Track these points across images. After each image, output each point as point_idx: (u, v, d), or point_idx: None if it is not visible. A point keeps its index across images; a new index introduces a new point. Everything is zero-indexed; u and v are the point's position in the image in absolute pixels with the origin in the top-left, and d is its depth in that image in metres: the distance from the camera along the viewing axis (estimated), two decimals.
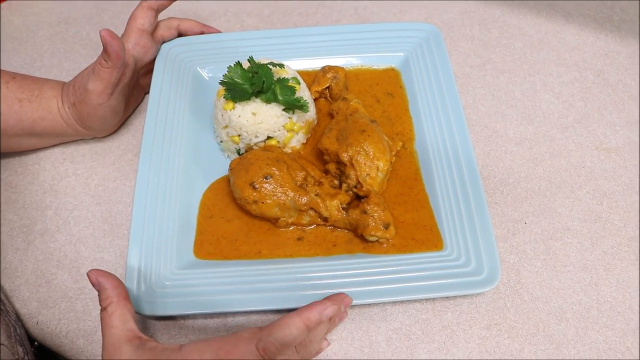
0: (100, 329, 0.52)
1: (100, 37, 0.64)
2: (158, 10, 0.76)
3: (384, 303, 0.62)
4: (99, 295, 0.53)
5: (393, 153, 0.69)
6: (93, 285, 0.53)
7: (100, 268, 0.64)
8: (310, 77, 0.78)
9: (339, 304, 0.53)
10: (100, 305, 0.52)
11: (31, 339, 0.64)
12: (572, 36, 0.88)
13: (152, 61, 0.78)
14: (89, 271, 0.54)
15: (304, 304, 0.58)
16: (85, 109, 0.69)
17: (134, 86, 0.78)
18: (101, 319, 0.52)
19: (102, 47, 0.68)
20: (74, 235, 0.69)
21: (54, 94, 0.71)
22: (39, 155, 0.76)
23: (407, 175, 0.69)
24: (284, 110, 0.68)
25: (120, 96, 0.71)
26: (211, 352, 0.47)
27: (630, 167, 0.73)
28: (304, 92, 0.71)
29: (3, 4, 0.98)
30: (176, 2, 0.78)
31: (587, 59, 0.85)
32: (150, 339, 0.51)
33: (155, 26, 0.78)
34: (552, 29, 0.89)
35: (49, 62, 0.89)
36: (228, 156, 0.73)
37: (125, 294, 0.53)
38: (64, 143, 0.77)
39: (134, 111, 0.81)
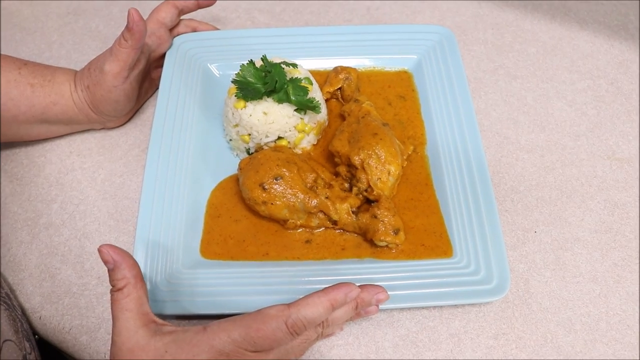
0: (111, 312, 0.49)
1: (128, 14, 0.65)
2: (182, 11, 0.78)
3: (392, 309, 0.61)
4: (111, 274, 0.50)
5: (404, 157, 0.68)
6: (105, 262, 0.50)
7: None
8: (322, 77, 0.77)
9: (369, 294, 0.53)
10: (113, 285, 0.50)
11: (33, 333, 0.63)
12: (586, 43, 0.88)
13: (165, 55, 0.78)
14: (101, 246, 0.50)
15: None
16: (99, 91, 0.69)
17: (146, 77, 0.78)
18: (113, 300, 0.49)
19: (110, 42, 0.69)
20: (79, 230, 0.68)
21: (66, 78, 0.71)
22: (45, 147, 0.76)
23: (417, 180, 0.68)
24: (295, 110, 0.67)
25: (134, 82, 0.72)
26: (240, 330, 0.47)
27: None
28: (316, 93, 0.70)
29: None
30: None
31: (601, 67, 0.84)
32: (166, 323, 0.49)
33: (176, 24, 0.79)
34: (566, 35, 0.89)
35: (58, 53, 0.88)
36: (237, 155, 0.72)
37: (141, 274, 0.51)
38: (71, 135, 0.76)
39: (143, 104, 0.80)
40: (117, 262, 0.50)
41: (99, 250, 0.50)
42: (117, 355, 0.47)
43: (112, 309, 0.49)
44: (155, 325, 0.49)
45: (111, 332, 0.49)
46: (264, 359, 0.49)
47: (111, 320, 0.50)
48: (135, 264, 0.51)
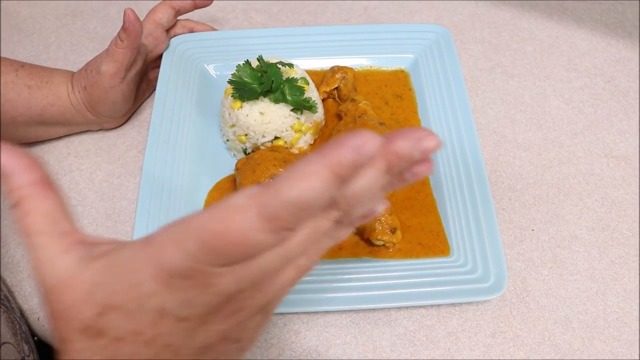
0: (21, 241, 0.35)
1: (124, 14, 0.65)
2: (179, 12, 0.77)
3: (389, 308, 0.61)
4: (2, 185, 0.33)
5: None
6: None
7: None
8: (318, 77, 0.77)
9: (407, 142, 0.29)
10: (9, 201, 0.32)
11: (31, 334, 0.63)
12: (583, 41, 0.88)
13: (162, 56, 0.78)
14: None
15: (308, 308, 0.58)
16: (96, 92, 0.69)
17: (143, 78, 0.78)
18: (15, 222, 0.32)
19: (108, 43, 0.68)
20: None
21: (63, 79, 0.71)
22: (43, 149, 0.76)
23: None
24: (292, 110, 0.67)
25: (131, 83, 0.72)
26: (195, 239, 0.28)
27: None
28: (312, 93, 0.70)
29: None
30: None
31: (598, 65, 0.84)
32: (100, 240, 0.32)
33: (172, 25, 0.79)
34: (563, 33, 0.89)
35: (55, 54, 0.88)
36: (234, 155, 0.72)
37: (47, 178, 0.32)
38: (68, 137, 0.76)
39: (140, 105, 0.80)
40: (5, 167, 0.31)
41: None
42: (42, 298, 0.32)
43: (19, 235, 0.32)
44: (84, 247, 0.32)
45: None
46: (245, 275, 0.30)
47: None
48: (35, 165, 0.32)
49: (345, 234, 0.34)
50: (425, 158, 0.30)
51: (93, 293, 0.30)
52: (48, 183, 0.32)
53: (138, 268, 0.30)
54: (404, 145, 0.29)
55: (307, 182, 0.27)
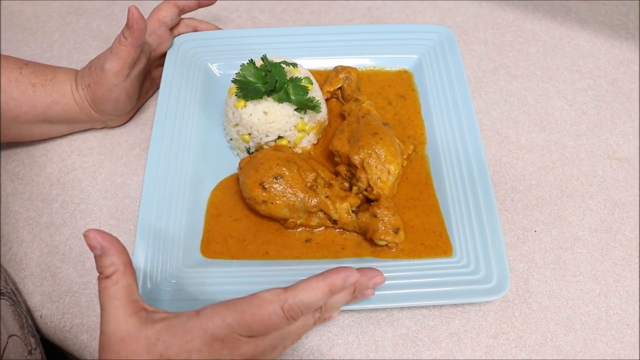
0: (100, 301, 0.46)
1: (128, 12, 0.66)
2: (183, 10, 0.78)
3: (391, 308, 0.61)
4: (98, 260, 0.47)
5: (404, 157, 0.68)
6: (92, 248, 0.46)
7: None
8: (322, 77, 0.77)
9: (366, 278, 0.52)
10: (101, 272, 0.46)
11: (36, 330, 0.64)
12: (586, 43, 0.88)
13: (165, 54, 0.78)
14: (87, 231, 0.46)
15: None
16: (100, 89, 0.69)
17: (147, 76, 0.78)
18: (101, 288, 0.46)
19: (111, 41, 0.69)
20: (79, 229, 0.69)
21: (67, 77, 0.71)
22: (46, 147, 0.76)
23: (417, 179, 0.68)
24: (295, 110, 0.67)
25: (135, 81, 0.72)
26: (234, 315, 0.44)
27: None
28: (316, 92, 0.70)
29: None
30: None
31: (602, 67, 0.84)
32: (158, 310, 0.47)
33: (176, 24, 0.80)
34: (567, 34, 0.89)
35: (59, 52, 0.88)
36: (237, 154, 0.72)
37: (130, 261, 0.48)
38: (72, 135, 0.77)
39: (143, 104, 0.80)
40: (104, 248, 0.46)
41: (85, 235, 0.47)
42: (107, 346, 0.45)
43: (100, 297, 0.46)
44: (146, 313, 0.46)
45: (100, 321, 0.46)
46: (259, 344, 0.47)
47: None
48: (124, 250, 0.48)
49: (313, 327, 0.52)
50: (373, 287, 0.53)
51: (153, 345, 0.44)
52: (130, 264, 0.48)
53: (190, 330, 0.44)
54: (365, 280, 0.52)
55: (314, 292, 0.47)
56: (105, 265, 0.46)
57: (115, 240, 0.48)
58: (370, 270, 0.53)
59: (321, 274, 0.48)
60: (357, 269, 0.50)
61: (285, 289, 0.46)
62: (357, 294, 0.53)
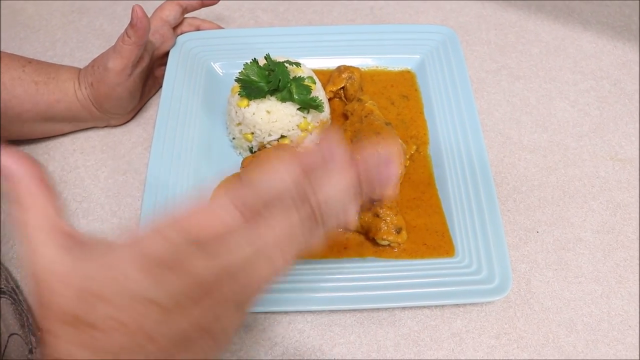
0: (18, 237, 0.35)
1: (132, 11, 0.66)
2: (186, 10, 0.78)
3: (393, 308, 0.61)
4: (3, 183, 0.35)
5: (407, 157, 0.68)
6: None
7: None
8: (325, 76, 0.77)
9: (371, 157, 0.37)
10: (9, 198, 0.35)
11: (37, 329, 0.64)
12: (589, 44, 0.88)
13: (168, 53, 0.78)
14: None
15: (313, 307, 0.58)
16: (103, 88, 0.69)
17: (149, 75, 0.78)
18: (13, 219, 0.34)
19: (114, 40, 0.69)
20: (81, 227, 0.68)
21: (70, 76, 0.71)
22: (48, 145, 0.76)
23: (420, 179, 0.68)
24: (298, 109, 0.67)
25: (138, 80, 0.72)
26: (175, 226, 0.32)
27: None
28: (319, 92, 0.71)
29: None
30: None
31: (604, 68, 0.84)
32: (91, 238, 0.34)
33: (179, 23, 0.80)
34: (570, 35, 0.89)
35: (61, 51, 0.88)
36: (240, 153, 0.72)
37: (45, 177, 0.35)
38: (74, 133, 0.77)
39: (146, 103, 0.80)
40: (10, 169, 0.34)
41: None
42: (31, 290, 0.37)
43: (16, 231, 0.34)
44: (74, 242, 0.33)
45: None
46: (218, 260, 0.32)
47: None
48: (34, 165, 0.35)
49: (319, 234, 0.36)
50: (390, 171, 0.37)
51: (82, 283, 0.31)
52: (46, 183, 0.35)
53: (124, 258, 0.31)
54: (371, 159, 0.36)
55: (277, 174, 0.33)
56: (12, 187, 0.35)
57: (21, 155, 0.35)
58: (377, 149, 0.38)
59: (292, 151, 0.36)
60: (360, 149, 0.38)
61: (240, 177, 0.36)
62: (369, 179, 0.37)
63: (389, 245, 0.62)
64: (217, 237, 0.32)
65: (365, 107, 0.70)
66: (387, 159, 0.37)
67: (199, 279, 0.32)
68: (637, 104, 0.80)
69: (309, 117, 0.69)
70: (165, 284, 0.31)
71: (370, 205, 0.64)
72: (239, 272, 0.33)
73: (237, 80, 0.66)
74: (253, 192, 0.32)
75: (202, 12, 0.84)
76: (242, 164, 0.66)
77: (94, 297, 0.31)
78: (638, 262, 0.65)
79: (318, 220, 0.35)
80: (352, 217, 0.38)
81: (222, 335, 0.34)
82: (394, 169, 0.37)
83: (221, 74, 0.79)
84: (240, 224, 0.32)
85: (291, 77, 0.67)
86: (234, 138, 0.71)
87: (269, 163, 0.33)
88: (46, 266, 0.32)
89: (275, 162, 0.33)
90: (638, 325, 0.61)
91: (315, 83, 0.70)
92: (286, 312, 0.61)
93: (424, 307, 0.61)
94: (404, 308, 0.61)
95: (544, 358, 0.59)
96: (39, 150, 0.75)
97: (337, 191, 0.35)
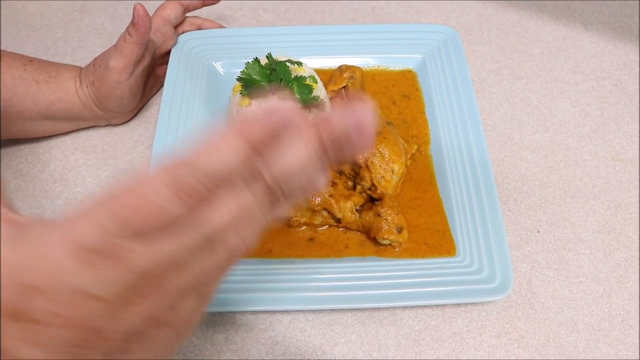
0: None
1: (134, 9, 0.66)
2: (187, 9, 0.78)
3: (394, 307, 0.61)
4: None
5: (408, 156, 0.68)
6: None
7: None
8: (326, 76, 0.77)
9: (339, 120, 0.31)
10: None
11: None
12: (590, 44, 0.88)
13: (170, 52, 0.78)
14: None
15: (314, 306, 0.58)
16: (104, 87, 0.69)
17: (151, 74, 0.78)
18: None
19: (115, 39, 0.69)
20: None
21: (71, 74, 0.71)
22: (50, 144, 0.76)
23: (421, 179, 0.68)
24: (300, 108, 0.68)
25: (139, 78, 0.72)
26: (106, 212, 0.28)
27: None
28: (320, 91, 0.70)
29: None
30: None
31: (605, 68, 0.84)
32: (31, 220, 0.31)
33: (181, 22, 0.80)
34: (571, 36, 0.89)
35: (63, 50, 0.88)
36: None
37: None
38: (75, 132, 0.77)
39: (147, 101, 0.81)
40: None
41: None
42: None
43: None
44: (11, 226, 0.30)
45: None
46: (159, 249, 0.28)
47: None
48: None
49: (283, 210, 0.33)
50: (361, 130, 0.31)
51: (15, 273, 0.28)
52: None
53: (54, 245, 0.28)
54: (337, 122, 0.31)
55: (217, 150, 0.28)
56: None
57: None
58: (347, 109, 0.32)
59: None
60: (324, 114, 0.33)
61: (179, 159, 0.29)
62: (334, 145, 0.32)
63: (390, 244, 0.62)
64: (151, 223, 0.28)
65: None
66: (357, 116, 0.31)
67: (140, 270, 0.28)
68: (638, 104, 0.80)
69: (311, 116, 0.69)
70: (104, 277, 0.28)
71: (372, 204, 0.64)
72: (187, 260, 0.30)
73: (239, 79, 0.66)
74: (190, 171, 0.28)
75: (204, 11, 0.84)
76: None
77: (32, 290, 0.28)
78: (639, 262, 0.65)
79: (278, 195, 0.32)
80: (321, 185, 0.34)
81: (182, 324, 0.32)
82: (367, 128, 0.31)
83: (222, 73, 0.79)
84: (173, 205, 0.28)
85: (293, 77, 0.67)
86: None
87: (209, 141, 0.29)
88: None
89: (216, 140, 0.28)
90: (639, 325, 0.61)
91: (316, 82, 0.70)
92: (287, 312, 0.61)
93: (425, 306, 0.61)
94: (405, 307, 0.61)
95: (545, 358, 0.59)
96: (40, 149, 0.75)
97: (296, 161, 0.31)
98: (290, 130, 0.29)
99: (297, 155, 0.31)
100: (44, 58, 0.74)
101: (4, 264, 0.28)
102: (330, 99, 0.76)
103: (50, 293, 0.27)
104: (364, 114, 0.31)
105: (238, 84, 0.68)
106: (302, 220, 0.64)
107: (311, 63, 0.76)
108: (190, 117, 0.72)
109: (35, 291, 0.27)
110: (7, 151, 0.76)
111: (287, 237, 0.65)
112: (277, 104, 0.30)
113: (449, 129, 0.71)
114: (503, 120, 0.78)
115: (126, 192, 0.28)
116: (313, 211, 0.63)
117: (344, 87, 0.75)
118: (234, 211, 0.30)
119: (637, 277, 0.64)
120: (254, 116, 0.28)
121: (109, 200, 0.28)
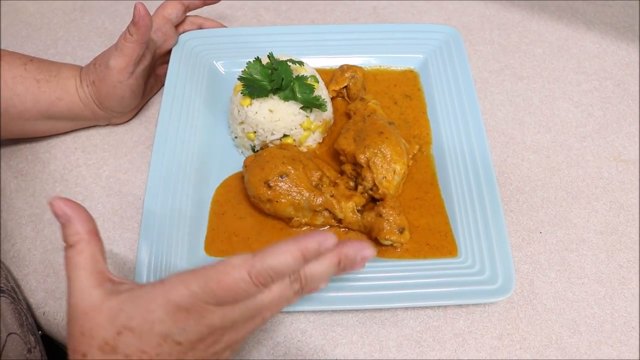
0: (65, 272, 0.44)
1: (135, 9, 0.65)
2: (188, 8, 0.78)
3: (396, 308, 0.61)
4: (63, 229, 0.45)
5: (410, 156, 0.68)
6: (57, 216, 0.45)
7: (109, 261, 0.65)
8: (328, 76, 0.77)
9: (353, 249, 0.46)
10: (66, 242, 0.45)
11: (37, 328, 0.63)
12: (592, 44, 0.87)
13: (170, 52, 0.78)
14: (52, 199, 0.45)
15: (315, 306, 0.58)
16: (104, 87, 0.69)
17: (151, 73, 0.78)
18: (66, 258, 0.44)
19: (116, 39, 0.69)
20: None
21: (72, 74, 0.71)
22: (50, 143, 0.76)
23: (423, 179, 0.68)
24: (301, 108, 0.67)
25: (139, 78, 0.72)
26: (199, 282, 0.41)
27: None
28: (322, 91, 0.70)
29: None
30: None
31: (607, 68, 0.84)
32: (124, 281, 0.45)
33: (181, 21, 0.80)
34: (573, 36, 0.88)
35: (63, 49, 0.88)
36: (242, 152, 0.72)
37: (96, 229, 0.46)
38: (76, 132, 0.76)
39: (148, 101, 0.80)
40: (68, 216, 0.44)
41: (50, 204, 0.45)
42: (73, 318, 0.43)
43: (65, 268, 0.44)
44: (112, 284, 0.44)
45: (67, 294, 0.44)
46: (228, 314, 0.43)
47: None
48: (89, 219, 0.46)
49: (296, 300, 0.48)
50: (361, 261, 0.47)
51: (116, 317, 0.41)
52: (96, 233, 0.46)
53: (152, 299, 0.41)
54: (351, 251, 0.46)
55: (283, 255, 0.42)
56: (70, 234, 0.45)
57: (80, 208, 0.45)
58: (358, 242, 0.47)
59: (294, 238, 0.44)
60: (342, 241, 0.47)
61: (255, 253, 0.42)
62: (345, 265, 0.47)
63: (391, 245, 0.62)
64: (231, 296, 0.42)
65: (368, 106, 0.70)
66: (364, 253, 0.47)
67: (211, 327, 0.42)
68: None
69: (312, 116, 0.68)
70: (185, 327, 0.42)
71: (373, 205, 0.64)
72: (239, 325, 0.45)
73: (240, 78, 0.66)
74: (264, 266, 0.41)
75: (205, 11, 0.84)
76: (244, 163, 0.66)
77: (128, 330, 0.41)
78: None
79: (303, 288, 0.46)
80: (326, 284, 0.48)
81: None
82: (367, 260, 0.47)
83: (223, 73, 0.79)
84: (249, 287, 0.42)
85: (294, 76, 0.66)
86: (236, 137, 0.71)
87: (279, 243, 0.43)
88: (86, 300, 0.42)
89: (284, 244, 0.42)
90: None
91: (318, 82, 0.70)
92: (288, 312, 0.61)
93: (427, 307, 0.61)
94: (406, 308, 0.61)
95: (546, 359, 0.58)
96: (40, 149, 0.75)
97: (321, 270, 0.46)
98: (325, 249, 0.44)
99: (323, 266, 0.46)
100: (45, 57, 0.73)
101: (109, 310, 0.42)
102: (332, 98, 0.75)
103: (142, 334, 0.41)
104: (368, 253, 0.46)
105: (239, 83, 0.67)
106: (304, 221, 0.64)
107: (312, 63, 0.76)
108: (191, 117, 0.72)
109: (130, 331, 0.41)
110: (7, 151, 0.75)
111: (288, 237, 0.64)
112: (327, 234, 0.43)
113: (451, 129, 0.71)
114: (505, 121, 0.77)
115: (217, 271, 0.41)
116: (314, 211, 0.63)
117: (346, 86, 0.75)
118: (276, 296, 0.45)
119: (639, 279, 0.64)
120: (312, 234, 0.43)
121: (203, 275, 0.41)
